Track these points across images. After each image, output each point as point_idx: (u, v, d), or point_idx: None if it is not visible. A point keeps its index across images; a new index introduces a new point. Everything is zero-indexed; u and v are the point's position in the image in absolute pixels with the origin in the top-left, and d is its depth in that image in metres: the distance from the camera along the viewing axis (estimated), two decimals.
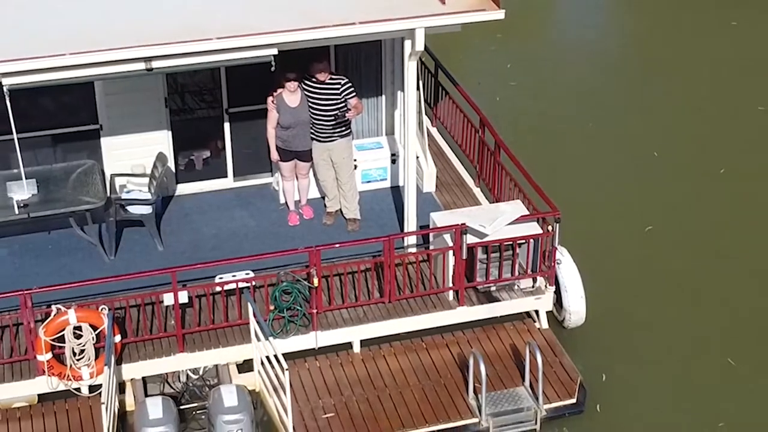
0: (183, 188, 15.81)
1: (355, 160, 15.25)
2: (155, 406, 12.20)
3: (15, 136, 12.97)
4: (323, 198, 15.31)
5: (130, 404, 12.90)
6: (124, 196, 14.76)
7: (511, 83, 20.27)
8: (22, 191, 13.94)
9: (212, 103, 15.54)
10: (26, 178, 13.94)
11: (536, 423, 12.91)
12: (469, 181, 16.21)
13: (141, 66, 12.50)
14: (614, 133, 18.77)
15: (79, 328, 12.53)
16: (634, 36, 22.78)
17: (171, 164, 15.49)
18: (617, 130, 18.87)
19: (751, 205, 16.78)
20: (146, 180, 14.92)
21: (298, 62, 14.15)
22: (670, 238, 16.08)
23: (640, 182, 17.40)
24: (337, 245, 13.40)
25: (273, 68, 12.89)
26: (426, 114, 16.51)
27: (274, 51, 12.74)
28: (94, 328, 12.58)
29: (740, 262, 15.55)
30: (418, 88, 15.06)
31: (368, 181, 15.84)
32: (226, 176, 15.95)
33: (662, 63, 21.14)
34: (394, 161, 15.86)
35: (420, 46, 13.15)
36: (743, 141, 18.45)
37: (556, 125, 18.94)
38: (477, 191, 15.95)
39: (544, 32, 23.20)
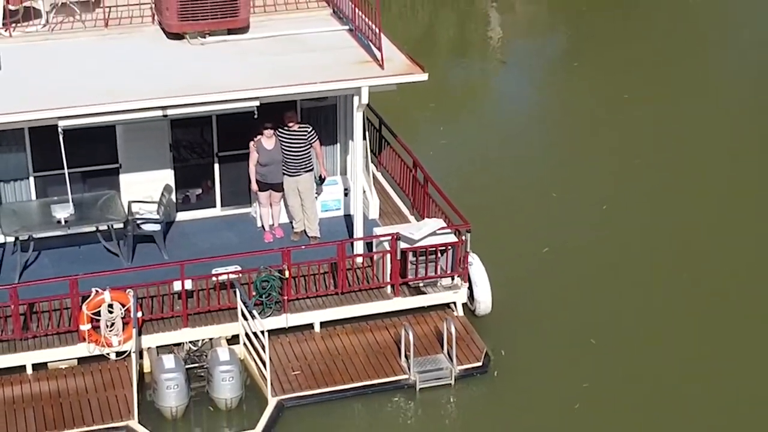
0: (181, 216, 20.21)
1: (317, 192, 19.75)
2: (169, 360, 16.53)
3: (66, 171, 17.49)
4: (291, 222, 19.76)
5: (146, 367, 17.17)
6: (138, 216, 19.16)
7: (442, 141, 24.96)
8: (63, 211, 18.31)
9: (205, 151, 20.02)
10: (65, 203, 18.35)
11: (451, 379, 17.30)
12: (405, 210, 20.74)
13: (159, 113, 17.05)
14: (520, 167, 23.48)
15: (111, 306, 16.84)
16: (556, 104, 27.69)
17: (172, 196, 19.92)
18: (526, 167, 23.59)
19: (633, 210, 21.44)
20: (155, 206, 19.33)
21: (273, 115, 18.66)
22: (564, 251, 20.64)
23: (542, 205, 22.05)
24: (303, 247, 17.97)
25: (255, 116, 17.48)
26: (372, 160, 21.03)
27: (257, 103, 17.32)
28: (122, 306, 16.90)
29: (623, 270, 20.10)
30: (364, 138, 19.54)
31: (326, 210, 20.29)
32: (215, 206, 20.39)
33: (574, 124, 26.01)
34: (346, 194, 20.35)
35: (365, 100, 17.75)
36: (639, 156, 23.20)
37: (474, 167, 23.62)
38: (411, 218, 20.46)
39: (471, 103, 27.97)
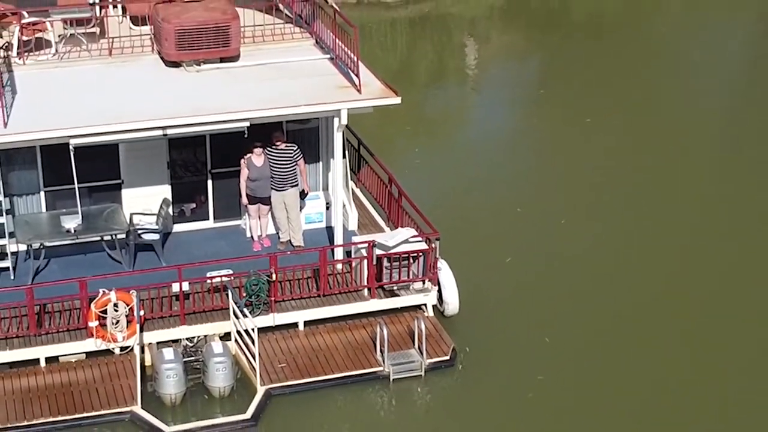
0: (177, 228, 22.19)
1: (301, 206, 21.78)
2: (168, 352, 18.50)
3: (76, 185, 19.52)
4: (277, 232, 21.75)
5: (147, 360, 19.12)
6: (139, 227, 21.15)
7: (416, 161, 27.05)
8: (72, 222, 20.29)
9: (199, 169, 22.02)
10: (73, 214, 20.34)
11: (422, 371, 19.30)
12: (381, 222, 22.75)
13: (159, 132, 19.08)
14: (488, 185, 25.61)
15: (116, 305, 18.81)
16: (523, 127, 29.85)
17: (170, 209, 21.91)
18: (493, 185, 25.74)
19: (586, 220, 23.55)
20: (154, 218, 21.32)
21: (262, 135, 20.69)
22: (525, 260, 22.69)
23: (507, 219, 24.14)
24: (289, 253, 19.97)
25: (246, 136, 19.54)
26: (351, 177, 23.06)
27: (247, 123, 19.37)
28: (126, 305, 18.86)
29: (577, 277, 22.15)
30: (344, 157, 21.59)
31: (309, 222, 22.27)
32: (208, 219, 22.38)
33: (535, 143, 28.16)
34: (327, 208, 22.36)
35: (344, 121, 19.80)
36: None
37: (445, 184, 25.72)
38: (387, 229, 22.47)
39: (444, 127, 30.09)
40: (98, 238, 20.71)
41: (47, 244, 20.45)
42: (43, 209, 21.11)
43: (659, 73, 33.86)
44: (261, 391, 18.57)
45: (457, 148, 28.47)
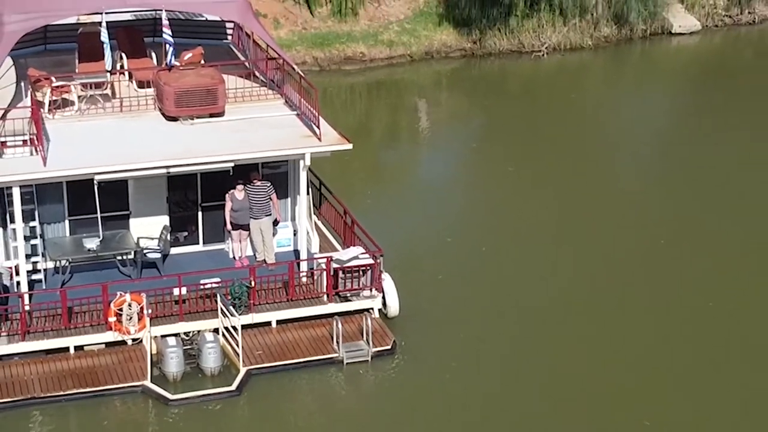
0: (173, 251, 27.56)
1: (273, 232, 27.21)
2: (171, 340, 23.81)
3: (98, 214, 24.99)
4: (255, 253, 27.11)
5: (154, 349, 24.38)
6: (144, 248, 26.51)
7: (368, 201, 32.60)
8: (92, 242, 25.67)
9: (192, 203, 27.43)
10: (92, 236, 25.74)
11: (368, 357, 24.67)
12: (338, 246, 28.20)
13: (163, 171, 24.56)
14: (427, 218, 31.13)
15: (130, 305, 24.13)
16: (462, 175, 35.54)
17: (169, 235, 27.30)
18: (431, 218, 31.24)
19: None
20: (156, 241, 26.70)
21: (242, 175, 26.15)
22: (453, 277, 28.19)
23: (439, 246, 29.67)
24: (264, 264, 25.44)
25: (231, 174, 25.06)
26: (314, 211, 28.51)
27: (232, 164, 24.89)
28: (138, 305, 24.19)
29: (498, 290, 27.65)
30: (308, 193, 27.07)
31: (280, 246, 27.61)
32: (198, 243, 27.78)
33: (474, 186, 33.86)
34: (295, 234, 27.78)
35: (308, 163, 25.29)
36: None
37: (391, 217, 31.21)
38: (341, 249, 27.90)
39: (393, 174, 35.78)
40: (112, 257, 26.02)
41: (72, 259, 25.71)
42: (67, 234, 26.41)
43: (578, 134, 39.49)
44: (243, 370, 23.86)
45: (402, 191, 34.08)
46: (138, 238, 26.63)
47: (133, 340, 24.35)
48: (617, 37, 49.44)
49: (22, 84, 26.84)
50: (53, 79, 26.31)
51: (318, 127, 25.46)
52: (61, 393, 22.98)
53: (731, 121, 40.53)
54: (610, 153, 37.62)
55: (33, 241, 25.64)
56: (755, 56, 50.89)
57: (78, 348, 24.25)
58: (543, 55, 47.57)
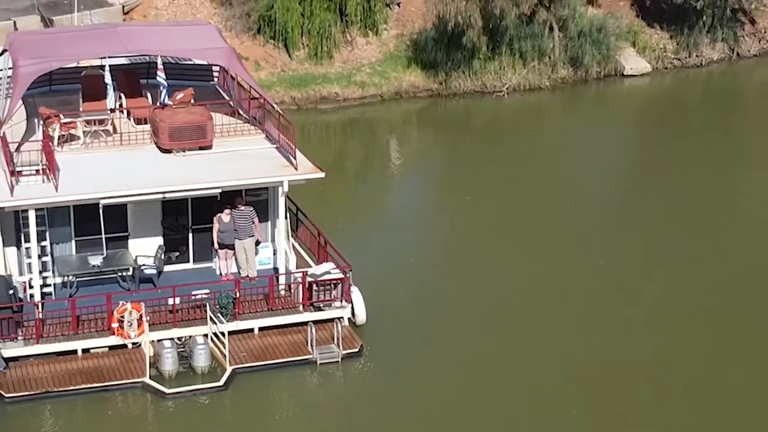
0: (166, 268, 31.08)
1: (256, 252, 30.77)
2: (167, 342, 27.33)
3: (103, 234, 28.53)
4: (239, 270, 30.68)
5: (151, 352, 27.86)
6: (141, 265, 30.03)
7: (339, 226, 36.18)
8: (96, 260, 29.22)
9: (183, 225, 30.98)
10: (96, 254, 29.29)
11: (339, 358, 28.20)
12: (313, 264, 31.78)
13: (159, 196, 28.16)
14: (394, 242, 34.73)
15: (131, 313, 27.65)
16: (428, 204, 39.28)
17: (163, 254, 30.85)
18: (398, 241, 34.85)
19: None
20: (152, 259, 30.25)
21: (228, 200, 29.75)
22: (416, 291, 31.75)
23: (404, 264, 33.25)
24: (248, 278, 29.05)
25: (219, 199, 28.69)
26: (291, 234, 32.08)
27: (219, 190, 28.52)
28: (138, 313, 27.69)
29: (458, 302, 31.28)
30: (286, 218, 30.63)
31: (261, 264, 31.12)
32: (189, 262, 31.31)
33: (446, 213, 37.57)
34: (274, 253, 31.32)
35: (286, 189, 28.89)
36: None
37: (359, 241, 34.73)
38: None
39: (362, 204, 39.49)
40: (113, 272, 29.55)
41: (78, 274, 29.20)
42: (74, 252, 29.91)
43: (534, 168, 42.94)
44: (229, 369, 27.33)
45: (372, 218, 37.79)
46: (136, 256, 30.10)
47: (134, 343, 27.80)
48: (573, 79, 53.02)
49: (35, 120, 30.29)
50: (62, 116, 29.82)
51: (294, 158, 29.09)
52: (71, 388, 26.39)
53: (681, 156, 43.97)
54: (564, 186, 41.18)
55: (44, 259, 29.07)
56: (703, 96, 54.70)
57: (85, 350, 27.70)
58: (504, 95, 51.14)
